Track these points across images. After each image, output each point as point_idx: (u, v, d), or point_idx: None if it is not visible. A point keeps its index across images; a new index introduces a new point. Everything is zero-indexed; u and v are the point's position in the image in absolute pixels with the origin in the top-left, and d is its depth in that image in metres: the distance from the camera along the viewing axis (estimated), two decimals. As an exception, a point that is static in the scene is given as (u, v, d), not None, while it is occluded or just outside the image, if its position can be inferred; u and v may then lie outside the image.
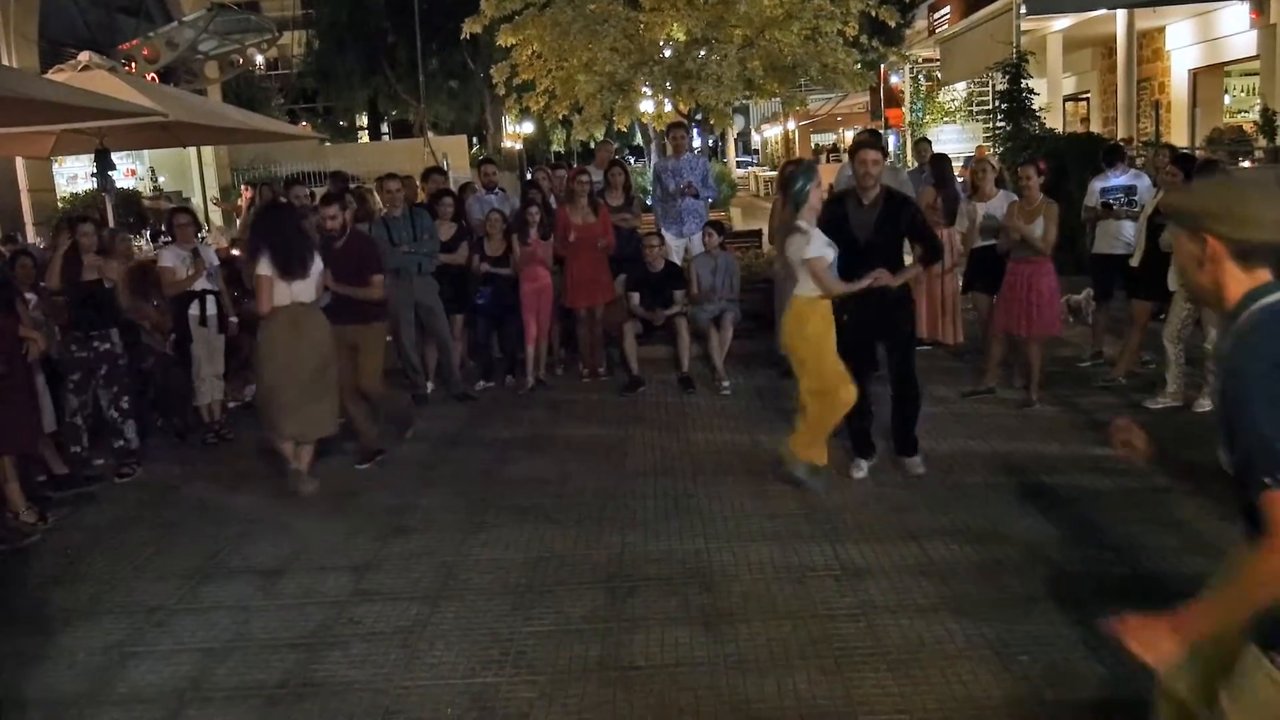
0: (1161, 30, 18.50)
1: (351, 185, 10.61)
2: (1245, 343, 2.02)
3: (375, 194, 9.40)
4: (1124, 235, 7.95)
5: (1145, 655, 2.11)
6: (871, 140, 6.08)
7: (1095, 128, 20.26)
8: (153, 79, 12.80)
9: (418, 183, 9.91)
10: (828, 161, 31.44)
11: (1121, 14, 16.66)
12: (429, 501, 6.00)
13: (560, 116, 15.51)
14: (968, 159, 19.21)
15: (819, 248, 5.39)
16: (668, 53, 14.03)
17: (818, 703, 3.64)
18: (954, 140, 20.61)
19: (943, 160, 9.38)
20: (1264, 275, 2.08)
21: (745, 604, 4.44)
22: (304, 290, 6.08)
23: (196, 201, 17.18)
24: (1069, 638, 3.96)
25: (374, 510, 5.87)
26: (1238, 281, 2.09)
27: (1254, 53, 16.00)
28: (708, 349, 8.43)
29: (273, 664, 4.14)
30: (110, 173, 10.67)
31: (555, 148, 37.25)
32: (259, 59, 23.30)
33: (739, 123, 41.91)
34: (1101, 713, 3.49)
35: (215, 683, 4.03)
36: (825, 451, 5.68)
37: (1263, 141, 14.58)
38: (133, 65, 12.43)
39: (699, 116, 14.94)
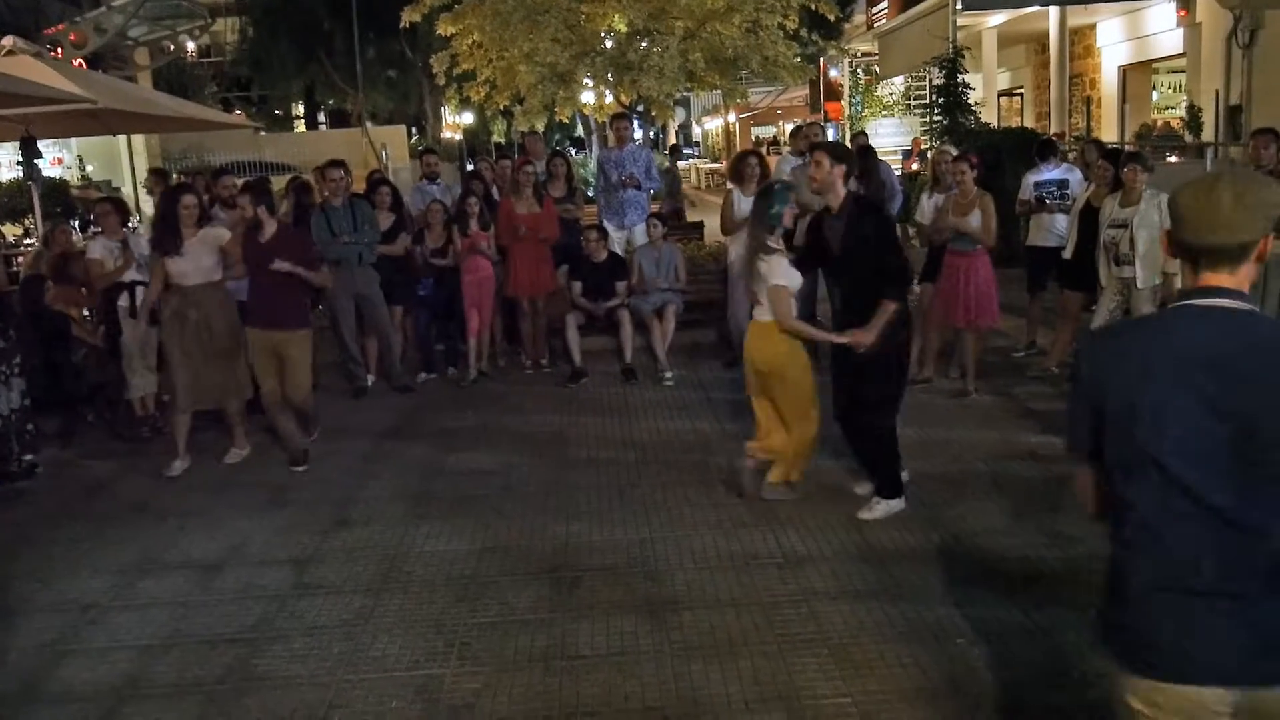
0: (1093, 27, 18.88)
1: (292, 176, 10.45)
2: None
3: (315, 184, 9.25)
4: (1057, 228, 8.13)
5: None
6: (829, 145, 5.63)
7: (1029, 122, 20.61)
8: (80, 65, 12.46)
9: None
10: (768, 154, 31.64)
11: (1054, 11, 16.96)
12: (371, 494, 5.94)
13: (501, 107, 15.44)
14: (905, 152, 19.53)
15: (785, 273, 5.14)
16: (609, 44, 14.03)
17: (761, 688, 3.69)
18: (892, 134, 20.88)
19: (868, 153, 9.49)
20: None
21: (689, 592, 4.47)
22: (183, 273, 6.27)
23: (127, 191, 16.77)
24: (1005, 621, 4.06)
25: (315, 504, 5.81)
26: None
27: (1180, 50, 16.40)
28: (650, 340, 8.45)
29: (212, 660, 4.09)
30: (36, 161, 10.35)
31: (496, 138, 37.00)
32: (191, 46, 22.81)
33: (680, 115, 41.98)
34: (1036, 692, 3.58)
35: (153, 679, 3.96)
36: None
37: (1189, 137, 14.98)
38: (59, 50, 12.08)
39: (640, 108, 14.96)
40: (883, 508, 5.21)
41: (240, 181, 8.41)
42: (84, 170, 17.27)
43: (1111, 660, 2.11)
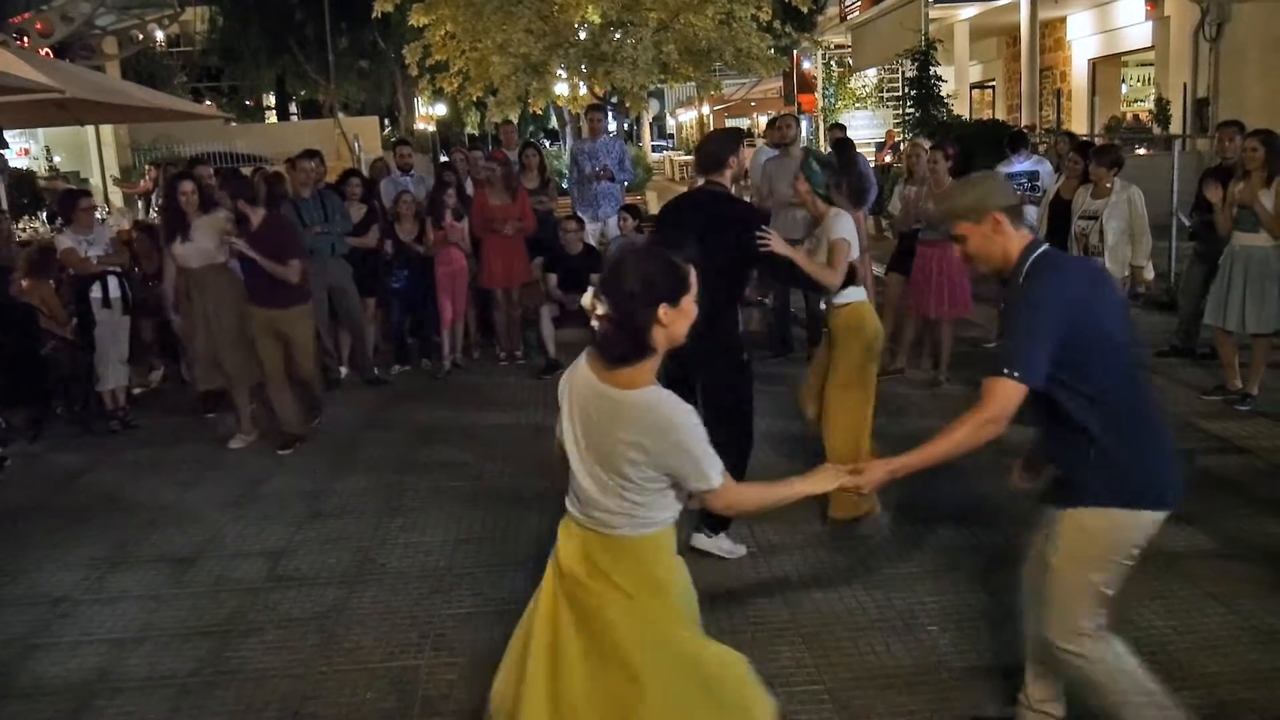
0: (1063, 20, 19.04)
1: (255, 167, 10.36)
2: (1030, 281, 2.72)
3: (286, 175, 9.18)
4: (1028, 219, 8.18)
5: (860, 483, 2.72)
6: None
7: (1000, 115, 20.78)
8: (47, 54, 12.32)
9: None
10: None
11: (1025, 4, 17.10)
12: (345, 486, 5.93)
13: (475, 98, 15.40)
14: (879, 144, 19.60)
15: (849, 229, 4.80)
16: (583, 35, 14.01)
17: (735, 676, 3.71)
18: (865, 126, 20.94)
19: (846, 145, 9.55)
20: (1031, 235, 2.81)
21: (664, 582, 4.48)
22: (187, 256, 6.52)
23: (95, 182, 16.58)
24: (974, 607, 4.11)
25: (288, 496, 5.78)
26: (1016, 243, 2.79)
27: (1149, 44, 16.58)
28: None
29: (185, 653, 4.07)
30: (2, 152, 10.26)
31: (469, 130, 36.84)
32: (160, 35, 22.52)
33: (654, 106, 41.96)
34: (1006, 678, 3.62)
35: (125, 673, 3.94)
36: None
37: (1157, 130, 15.14)
38: (25, 39, 11.95)
39: (614, 100, 14.95)
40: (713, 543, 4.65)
41: (212, 170, 8.35)
42: (51, 161, 17.07)
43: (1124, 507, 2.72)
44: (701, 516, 4.59)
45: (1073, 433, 2.72)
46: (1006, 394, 2.62)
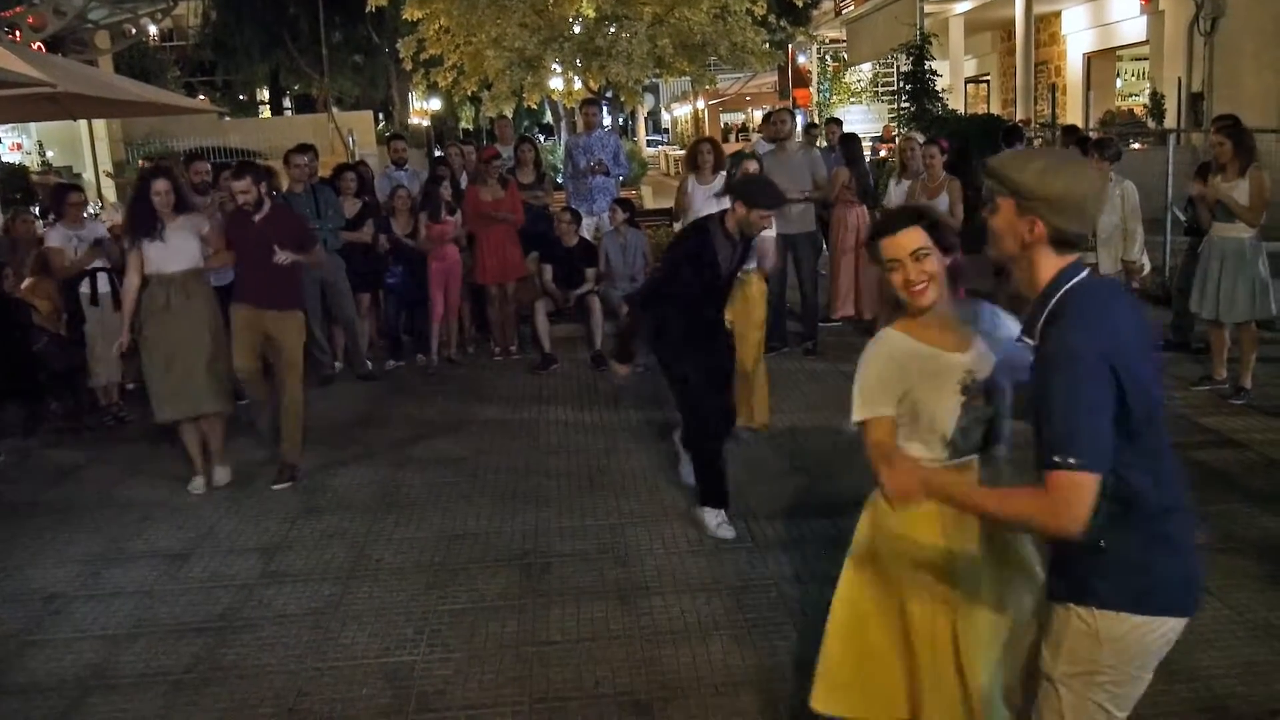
0: (1058, 15, 19.03)
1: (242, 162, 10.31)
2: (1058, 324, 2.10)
3: (282, 169, 9.15)
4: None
5: (891, 487, 2.28)
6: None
7: (995, 109, 20.77)
8: (39, 48, 12.27)
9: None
10: (736, 141, 31.69)
11: (1020, -2, 17.10)
12: (339, 482, 5.91)
13: (469, 93, 15.35)
14: (875, 138, 19.60)
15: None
16: (577, 29, 13.97)
17: (732, 671, 3.71)
18: (860, 120, 20.95)
19: (852, 140, 9.57)
20: (1073, 256, 2.17)
21: (659, 577, 4.49)
22: (163, 260, 5.64)
23: (88, 177, 16.53)
24: (971, 602, 4.10)
25: (282, 492, 5.77)
26: (1051, 264, 2.16)
27: (1144, 38, 16.58)
28: (620, 327, 8.43)
29: (179, 649, 4.06)
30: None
31: (464, 124, 36.76)
32: (153, 29, 22.47)
33: (649, 101, 41.91)
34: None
35: (119, 670, 3.93)
36: None
37: (1152, 124, 15.15)
38: (17, 33, 11.90)
39: (609, 94, 14.93)
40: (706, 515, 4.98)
41: (209, 166, 8.32)
42: (44, 156, 17.01)
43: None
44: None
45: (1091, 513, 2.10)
46: (1078, 490, 1.98)
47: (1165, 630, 2.14)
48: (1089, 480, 1.98)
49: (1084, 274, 2.14)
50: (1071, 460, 1.97)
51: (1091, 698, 2.17)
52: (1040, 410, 2.06)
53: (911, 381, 2.47)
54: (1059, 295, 2.12)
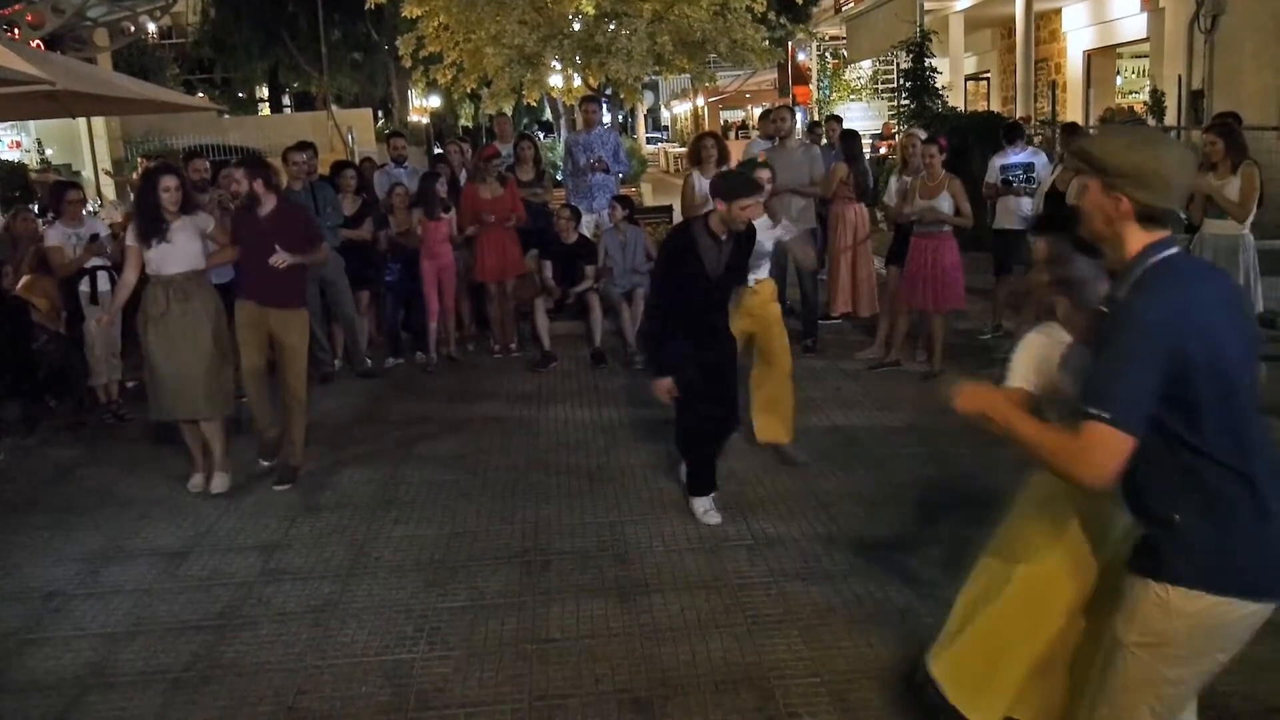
0: (1058, 12, 18.99)
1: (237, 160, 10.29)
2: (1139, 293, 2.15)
3: (281, 167, 9.13)
4: (1023, 210, 8.20)
5: (966, 404, 2.42)
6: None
7: (995, 106, 20.74)
8: (38, 46, 12.25)
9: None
10: (735, 138, 31.64)
11: (1020, -5, 17.06)
12: (339, 479, 5.90)
13: (468, 90, 15.34)
14: (875, 135, 19.57)
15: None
16: (577, 26, 13.97)
17: (731, 669, 3.71)
18: (860, 118, 20.89)
19: (852, 137, 9.56)
20: (1162, 232, 2.19)
21: (659, 575, 4.48)
22: (164, 260, 5.56)
23: (87, 174, 16.50)
24: (971, 599, 4.09)
25: (282, 490, 5.75)
26: (1138, 239, 2.19)
27: (1144, 35, 16.54)
28: (620, 324, 8.44)
29: (179, 647, 4.05)
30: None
31: (464, 122, 36.72)
32: (151, 27, 22.41)
33: (649, 98, 41.86)
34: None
35: (118, 668, 3.92)
36: None
37: (1152, 121, 15.12)
38: (16, 31, 11.89)
39: (609, 91, 14.92)
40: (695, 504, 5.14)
41: (208, 164, 8.31)
42: (43, 153, 16.98)
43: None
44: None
45: (1163, 487, 2.19)
46: (1105, 444, 2.06)
47: (1246, 613, 2.16)
48: (1116, 436, 2.05)
49: (1172, 250, 2.16)
50: (1105, 414, 2.05)
51: (1159, 669, 2.22)
52: (1092, 363, 2.17)
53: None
54: (1143, 269, 2.15)
